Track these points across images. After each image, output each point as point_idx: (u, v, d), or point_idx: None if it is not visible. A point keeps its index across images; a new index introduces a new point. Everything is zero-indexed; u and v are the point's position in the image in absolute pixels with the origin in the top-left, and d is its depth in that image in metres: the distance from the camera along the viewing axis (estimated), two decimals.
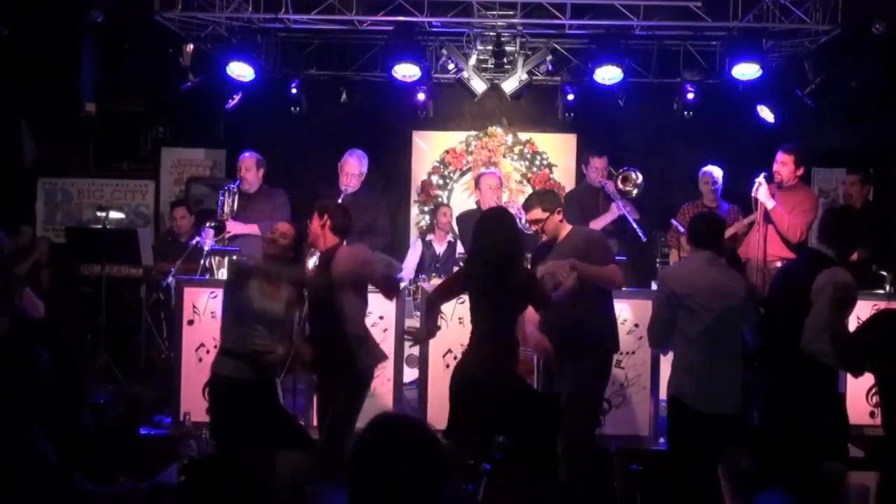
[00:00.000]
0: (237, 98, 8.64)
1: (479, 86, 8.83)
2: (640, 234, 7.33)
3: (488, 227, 5.10)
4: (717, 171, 7.87)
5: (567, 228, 5.55)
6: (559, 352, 5.40)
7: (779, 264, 6.73)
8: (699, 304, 4.78)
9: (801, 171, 7.02)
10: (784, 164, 6.98)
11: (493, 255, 4.98)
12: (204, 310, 6.48)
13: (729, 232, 7.61)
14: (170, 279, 7.20)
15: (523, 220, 7.07)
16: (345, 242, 5.53)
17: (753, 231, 7.13)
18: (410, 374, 7.17)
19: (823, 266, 4.52)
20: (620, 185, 7.56)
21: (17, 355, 3.47)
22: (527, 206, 5.62)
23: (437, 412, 6.09)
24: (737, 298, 4.77)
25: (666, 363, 5.57)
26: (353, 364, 5.35)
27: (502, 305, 4.99)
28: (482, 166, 9.63)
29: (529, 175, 9.68)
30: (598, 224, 7.59)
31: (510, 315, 5.05)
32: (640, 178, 7.58)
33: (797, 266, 4.87)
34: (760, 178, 6.94)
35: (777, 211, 6.83)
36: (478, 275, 5.03)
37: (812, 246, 4.93)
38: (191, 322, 6.58)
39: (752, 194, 6.97)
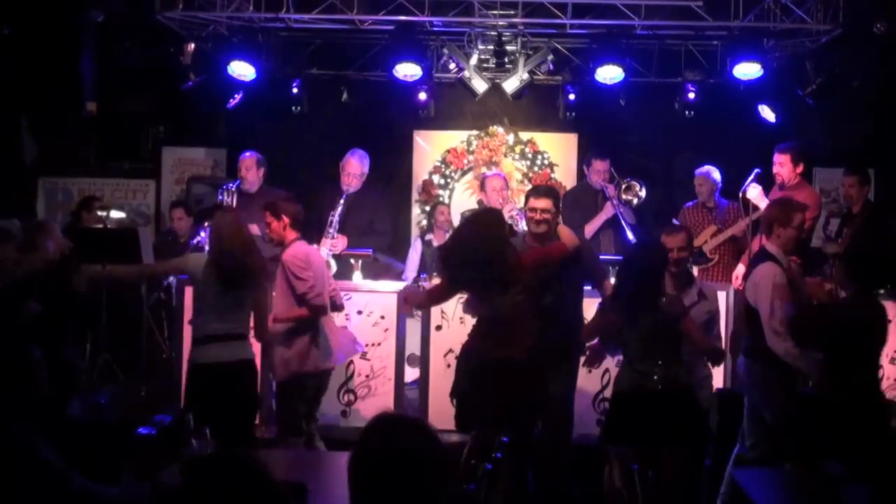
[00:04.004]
0: (238, 97, 8.64)
1: (480, 85, 8.82)
2: (631, 237, 7.28)
3: (468, 229, 5.43)
4: (714, 171, 7.87)
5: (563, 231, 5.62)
6: (553, 352, 5.45)
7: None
8: None
9: (800, 169, 7.02)
10: (782, 165, 6.98)
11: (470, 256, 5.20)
12: None
13: (727, 234, 7.62)
14: (171, 279, 7.19)
15: (515, 211, 7.05)
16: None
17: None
18: (411, 373, 7.17)
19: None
20: (623, 195, 7.57)
21: (11, 350, 3.46)
22: (540, 194, 5.66)
23: (439, 412, 6.09)
24: None
25: None
26: None
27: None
28: (483, 166, 9.63)
29: (531, 175, 9.68)
30: (593, 225, 7.59)
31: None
32: (644, 191, 7.56)
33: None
34: (750, 180, 6.95)
35: None
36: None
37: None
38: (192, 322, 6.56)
39: (741, 194, 7.00)
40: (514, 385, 5.18)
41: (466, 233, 5.42)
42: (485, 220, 5.41)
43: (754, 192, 6.91)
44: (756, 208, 6.89)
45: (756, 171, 7.01)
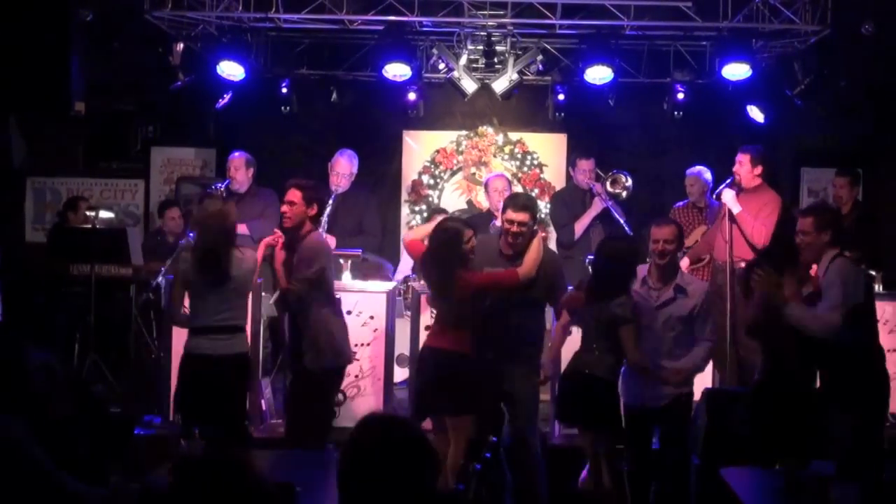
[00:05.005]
0: (227, 97, 8.62)
1: (469, 85, 8.82)
2: (626, 228, 7.36)
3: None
4: (705, 171, 7.91)
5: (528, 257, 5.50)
6: (511, 355, 5.50)
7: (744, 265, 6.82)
8: None
9: (759, 170, 7.07)
10: (741, 164, 7.07)
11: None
12: None
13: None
14: (159, 279, 7.17)
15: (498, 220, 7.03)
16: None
17: (717, 233, 7.17)
18: (401, 373, 7.17)
19: None
20: (609, 188, 7.60)
21: (6, 351, 3.46)
22: (519, 206, 5.46)
23: None
24: None
25: None
26: None
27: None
28: (472, 166, 9.63)
29: (520, 175, 9.68)
30: (582, 222, 7.61)
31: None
32: (630, 181, 7.61)
33: None
34: (725, 184, 7.00)
35: (742, 216, 6.90)
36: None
37: None
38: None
39: (716, 195, 7.04)
40: (446, 371, 5.22)
41: (431, 237, 5.47)
42: (441, 232, 5.39)
43: (728, 196, 6.95)
44: (730, 212, 6.94)
45: (732, 177, 7.06)
